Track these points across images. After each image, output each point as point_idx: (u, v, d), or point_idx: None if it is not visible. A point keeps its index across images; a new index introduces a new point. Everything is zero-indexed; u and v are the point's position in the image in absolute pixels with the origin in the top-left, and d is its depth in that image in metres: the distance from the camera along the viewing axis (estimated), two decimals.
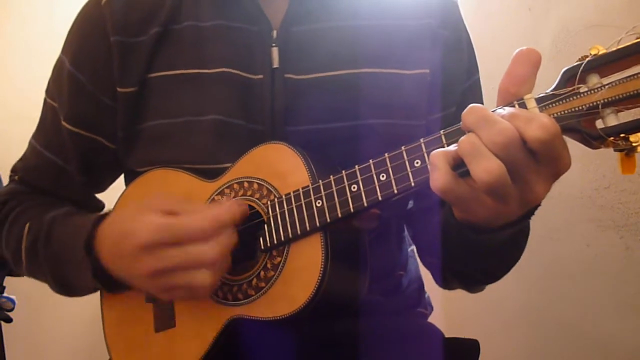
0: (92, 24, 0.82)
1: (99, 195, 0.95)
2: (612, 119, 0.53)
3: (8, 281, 1.51)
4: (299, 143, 0.74)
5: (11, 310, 1.49)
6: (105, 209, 0.94)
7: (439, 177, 0.54)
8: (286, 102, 0.76)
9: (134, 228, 0.66)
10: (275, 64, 0.77)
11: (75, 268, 0.74)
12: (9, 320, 1.49)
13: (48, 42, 0.86)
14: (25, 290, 1.39)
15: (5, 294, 1.50)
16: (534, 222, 1.36)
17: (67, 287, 0.82)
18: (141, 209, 0.68)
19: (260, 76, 0.77)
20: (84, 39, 0.83)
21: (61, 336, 1.98)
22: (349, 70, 0.77)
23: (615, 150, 0.54)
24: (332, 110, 0.76)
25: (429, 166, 0.58)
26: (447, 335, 0.86)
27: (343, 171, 0.65)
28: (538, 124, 0.51)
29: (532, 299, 1.57)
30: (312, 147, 0.74)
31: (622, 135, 0.53)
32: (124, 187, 0.85)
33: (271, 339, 0.69)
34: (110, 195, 0.88)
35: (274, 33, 0.77)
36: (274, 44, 0.77)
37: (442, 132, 0.59)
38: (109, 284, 0.74)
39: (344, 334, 0.75)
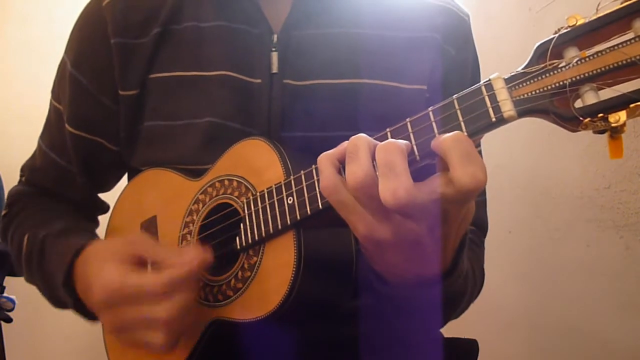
0: (93, 25, 0.82)
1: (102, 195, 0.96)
2: (591, 97, 0.47)
3: (8, 281, 1.52)
4: (294, 149, 0.73)
5: (11, 310, 1.50)
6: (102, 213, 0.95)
7: (324, 180, 0.54)
8: (283, 108, 0.75)
9: (92, 284, 0.66)
10: (274, 69, 0.76)
11: (62, 295, 0.74)
12: (9, 320, 1.49)
13: (48, 43, 0.87)
14: (25, 290, 1.38)
15: (5, 294, 1.51)
16: (535, 222, 1.36)
17: (60, 304, 0.82)
18: (107, 258, 0.67)
19: (259, 80, 0.76)
20: (84, 40, 0.83)
21: (61, 336, 1.98)
22: (349, 79, 0.76)
23: (594, 132, 0.48)
24: (328, 118, 0.75)
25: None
26: (445, 335, 0.86)
27: (313, 166, 0.61)
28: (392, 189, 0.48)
29: (532, 299, 1.57)
30: (307, 154, 0.74)
31: (600, 115, 0.47)
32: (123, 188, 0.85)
33: (255, 339, 0.68)
34: (112, 195, 0.88)
35: (274, 37, 0.77)
36: (273, 49, 0.76)
37: (408, 119, 0.55)
38: (88, 315, 0.73)
39: (342, 337, 0.74)
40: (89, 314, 0.72)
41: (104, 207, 0.95)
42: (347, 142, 0.56)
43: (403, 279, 0.60)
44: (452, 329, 0.82)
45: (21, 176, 0.94)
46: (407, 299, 0.67)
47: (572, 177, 1.51)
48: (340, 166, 0.55)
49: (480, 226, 0.86)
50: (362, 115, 0.76)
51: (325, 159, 0.56)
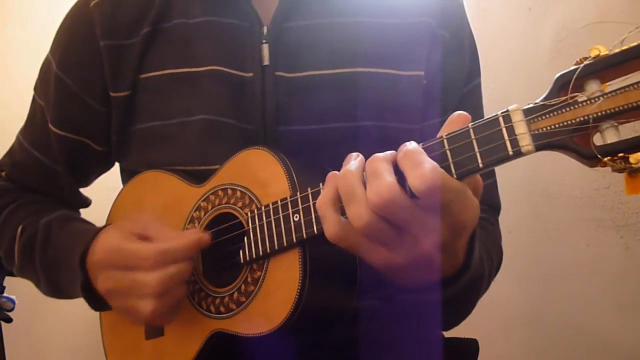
0: (81, 26, 0.81)
1: (95, 196, 0.96)
2: (611, 135, 0.46)
3: (8, 281, 1.51)
4: (291, 144, 0.73)
5: (11, 310, 1.49)
6: (94, 205, 0.95)
7: (330, 227, 0.54)
8: (277, 101, 0.74)
9: (97, 244, 0.70)
10: (266, 62, 0.75)
11: (70, 275, 0.74)
12: (9, 320, 1.49)
13: (48, 43, 0.86)
14: (25, 290, 1.38)
15: (5, 294, 1.50)
16: (535, 222, 1.35)
17: (58, 291, 0.82)
18: (118, 227, 0.71)
19: (251, 74, 0.75)
20: (71, 41, 0.82)
21: (61, 336, 1.98)
22: (344, 69, 0.75)
23: (613, 171, 0.47)
24: (325, 110, 0.74)
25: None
26: (446, 335, 0.86)
27: (320, 184, 0.61)
28: (418, 173, 0.49)
29: (532, 299, 1.57)
30: (305, 148, 0.73)
31: (620, 154, 0.46)
32: (121, 187, 0.85)
33: (257, 350, 0.68)
34: (108, 195, 0.88)
35: (265, 29, 0.76)
36: (264, 41, 0.75)
37: (421, 144, 0.55)
38: (93, 300, 0.74)
39: (342, 339, 0.74)
40: (94, 298, 0.73)
41: (86, 202, 0.95)
42: (336, 176, 0.56)
43: (415, 285, 0.61)
44: (452, 329, 0.81)
45: (0, 171, 0.92)
46: (417, 300, 0.67)
47: (572, 177, 1.51)
48: (340, 206, 0.55)
49: (492, 206, 0.87)
50: (361, 105, 0.75)
51: (324, 204, 0.55)
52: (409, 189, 0.51)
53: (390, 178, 0.51)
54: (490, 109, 0.86)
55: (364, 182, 0.53)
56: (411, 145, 0.53)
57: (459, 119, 0.55)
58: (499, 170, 0.94)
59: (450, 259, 0.60)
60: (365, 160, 0.56)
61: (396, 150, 0.56)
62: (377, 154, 0.54)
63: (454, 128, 0.54)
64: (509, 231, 1.62)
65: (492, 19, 1.63)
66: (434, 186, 0.49)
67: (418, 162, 0.50)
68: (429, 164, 0.50)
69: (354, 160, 0.55)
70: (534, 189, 1.57)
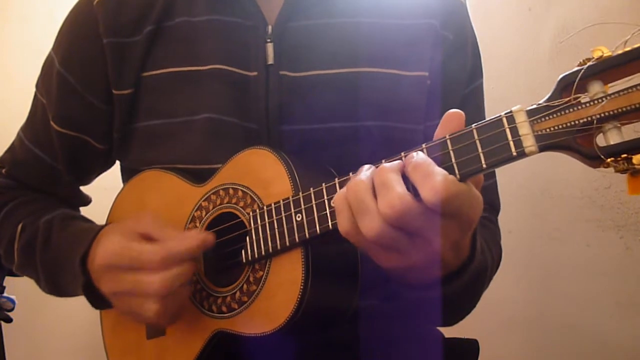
0: (84, 24, 0.81)
1: (93, 196, 0.96)
2: (614, 136, 0.47)
3: (8, 281, 1.51)
4: (294, 143, 0.73)
5: (11, 310, 1.49)
6: (92, 205, 0.95)
7: (344, 223, 0.55)
8: (281, 100, 0.74)
9: (99, 246, 0.70)
10: (270, 61, 0.75)
11: (71, 276, 0.74)
12: (9, 320, 1.49)
13: (48, 42, 0.86)
14: (25, 290, 1.39)
15: (5, 294, 1.50)
16: (535, 221, 1.35)
17: (59, 290, 0.82)
18: (120, 228, 0.71)
19: (255, 73, 0.75)
20: (74, 39, 0.82)
21: (61, 336, 1.98)
22: (348, 69, 0.75)
23: (616, 172, 0.47)
24: (328, 110, 0.75)
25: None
26: (446, 335, 0.86)
27: (323, 184, 0.61)
28: (430, 185, 0.50)
29: (532, 299, 1.57)
30: (308, 148, 0.73)
31: (623, 155, 0.46)
32: (120, 186, 0.85)
33: (259, 349, 0.68)
34: (106, 196, 0.87)
35: (269, 28, 0.76)
36: (268, 40, 0.75)
37: (424, 145, 0.55)
38: (95, 299, 0.74)
39: (342, 339, 0.74)
40: (96, 297, 0.73)
41: (87, 201, 0.95)
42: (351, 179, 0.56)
43: (422, 282, 0.62)
44: (452, 329, 0.81)
45: (0, 168, 0.92)
46: (422, 296, 0.68)
47: (572, 177, 1.51)
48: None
49: (492, 206, 0.88)
50: (363, 105, 0.75)
51: (344, 199, 0.55)
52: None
53: (400, 189, 0.51)
54: (491, 108, 0.86)
55: (374, 193, 0.53)
56: (419, 156, 0.53)
57: (453, 117, 0.55)
58: (499, 170, 0.94)
59: (458, 254, 0.60)
60: (369, 163, 0.57)
61: (399, 151, 0.57)
62: (385, 165, 0.54)
63: (450, 126, 0.55)
64: (509, 231, 1.62)
65: (492, 19, 1.63)
66: (446, 197, 0.50)
67: (428, 173, 0.51)
68: (439, 175, 0.50)
69: (365, 171, 0.55)
70: (534, 189, 1.57)
